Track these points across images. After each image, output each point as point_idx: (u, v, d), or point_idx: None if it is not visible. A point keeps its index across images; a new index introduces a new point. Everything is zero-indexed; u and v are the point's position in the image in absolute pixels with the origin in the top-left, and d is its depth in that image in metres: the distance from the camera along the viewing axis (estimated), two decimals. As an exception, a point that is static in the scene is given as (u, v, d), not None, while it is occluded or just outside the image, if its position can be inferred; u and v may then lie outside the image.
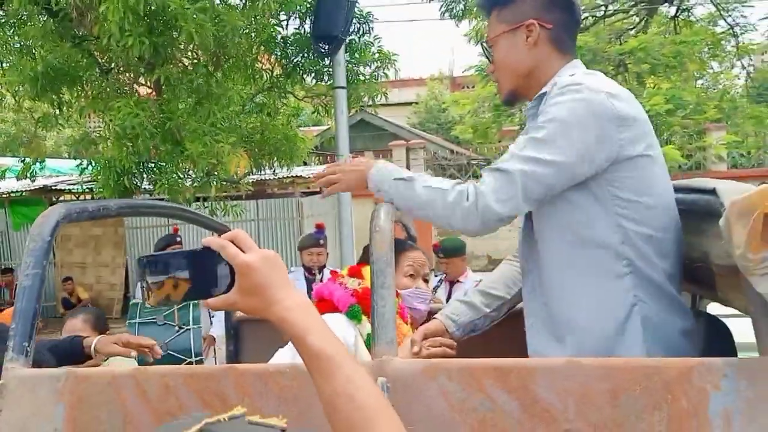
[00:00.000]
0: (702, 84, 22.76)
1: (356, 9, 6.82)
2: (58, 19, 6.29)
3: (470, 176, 16.51)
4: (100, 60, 6.43)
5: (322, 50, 6.28)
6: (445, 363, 1.36)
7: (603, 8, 18.55)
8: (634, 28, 18.47)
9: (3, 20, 7.07)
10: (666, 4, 18.71)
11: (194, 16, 5.16)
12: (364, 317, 1.89)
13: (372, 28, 7.00)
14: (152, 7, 5.02)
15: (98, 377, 1.42)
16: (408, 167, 13.62)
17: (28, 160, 7.25)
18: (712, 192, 1.50)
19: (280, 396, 1.35)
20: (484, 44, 1.76)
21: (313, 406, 1.33)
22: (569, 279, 1.61)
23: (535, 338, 1.71)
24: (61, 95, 6.74)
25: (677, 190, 1.72)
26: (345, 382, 0.93)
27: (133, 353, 2.24)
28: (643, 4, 17.89)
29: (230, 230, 2.94)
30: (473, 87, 19.80)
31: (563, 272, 1.62)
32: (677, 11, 18.77)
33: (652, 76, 17.59)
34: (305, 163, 18.05)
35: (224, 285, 0.99)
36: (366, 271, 1.95)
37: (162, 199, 6.71)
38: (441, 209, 1.56)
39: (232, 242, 1.00)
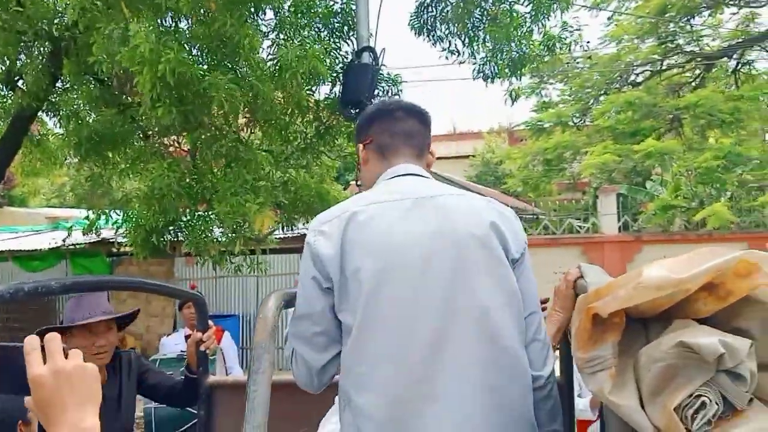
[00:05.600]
0: (772, 138, 22.03)
1: (386, 73, 7.07)
2: (104, 87, 6.71)
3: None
4: (141, 125, 6.79)
5: (350, 114, 6.52)
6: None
7: (659, 63, 18.34)
8: (690, 82, 18.13)
9: (67, 86, 7.54)
10: (725, 57, 18.36)
11: (226, 86, 5.38)
12: None
13: (401, 90, 7.21)
14: (184, 78, 5.24)
15: None
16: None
17: (92, 215, 7.42)
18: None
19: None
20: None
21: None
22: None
23: None
24: (105, 157, 7.11)
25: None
26: None
27: None
28: (700, 60, 17.59)
29: (197, 296, 2.99)
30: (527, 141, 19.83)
31: None
32: (737, 65, 18.39)
33: (713, 131, 17.21)
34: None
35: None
36: None
37: (189, 254, 6.93)
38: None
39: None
